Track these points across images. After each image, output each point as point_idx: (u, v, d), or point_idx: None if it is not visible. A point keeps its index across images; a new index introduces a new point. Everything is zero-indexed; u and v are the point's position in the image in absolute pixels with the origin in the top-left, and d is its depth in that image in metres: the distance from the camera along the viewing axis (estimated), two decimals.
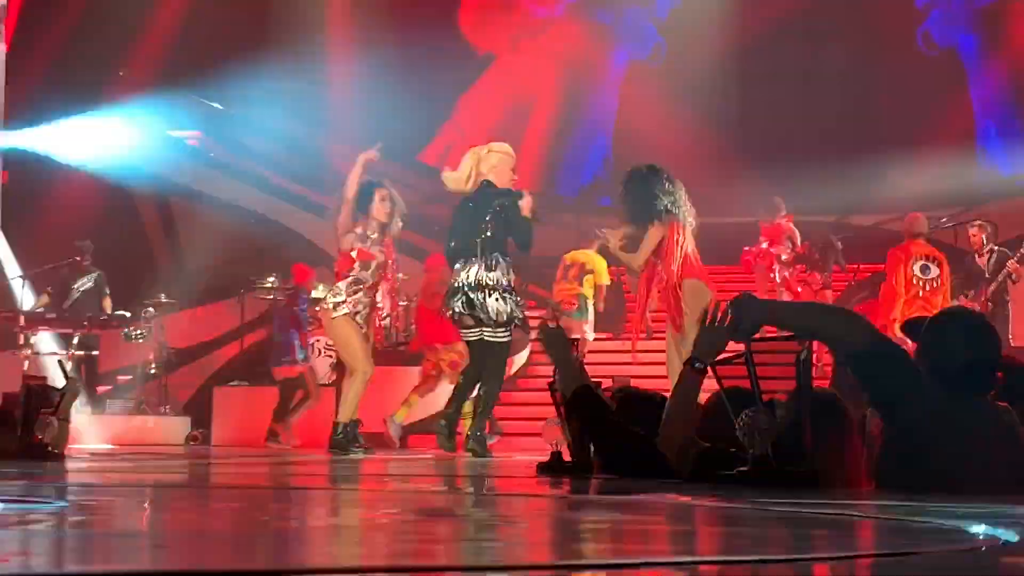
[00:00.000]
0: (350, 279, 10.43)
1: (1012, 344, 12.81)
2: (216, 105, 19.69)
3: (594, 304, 14.72)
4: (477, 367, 10.05)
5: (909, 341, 4.68)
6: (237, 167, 18.38)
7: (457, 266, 10.00)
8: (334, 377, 14.67)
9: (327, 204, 16.84)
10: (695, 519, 3.68)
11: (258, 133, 19.16)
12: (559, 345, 6.06)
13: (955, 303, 13.94)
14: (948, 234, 16.49)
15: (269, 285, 15.76)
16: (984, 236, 13.96)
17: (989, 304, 13.66)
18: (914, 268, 12.09)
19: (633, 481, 5.20)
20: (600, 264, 14.73)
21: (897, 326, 10.62)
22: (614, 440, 5.53)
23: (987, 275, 13.79)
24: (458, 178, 10.08)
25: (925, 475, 4.23)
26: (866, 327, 4.45)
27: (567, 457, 6.02)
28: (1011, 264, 13.74)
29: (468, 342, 10.09)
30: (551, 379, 6.22)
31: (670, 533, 3.18)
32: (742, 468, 4.45)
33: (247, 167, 18.29)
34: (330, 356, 14.92)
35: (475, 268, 9.84)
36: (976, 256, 14.00)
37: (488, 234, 9.85)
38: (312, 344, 15.19)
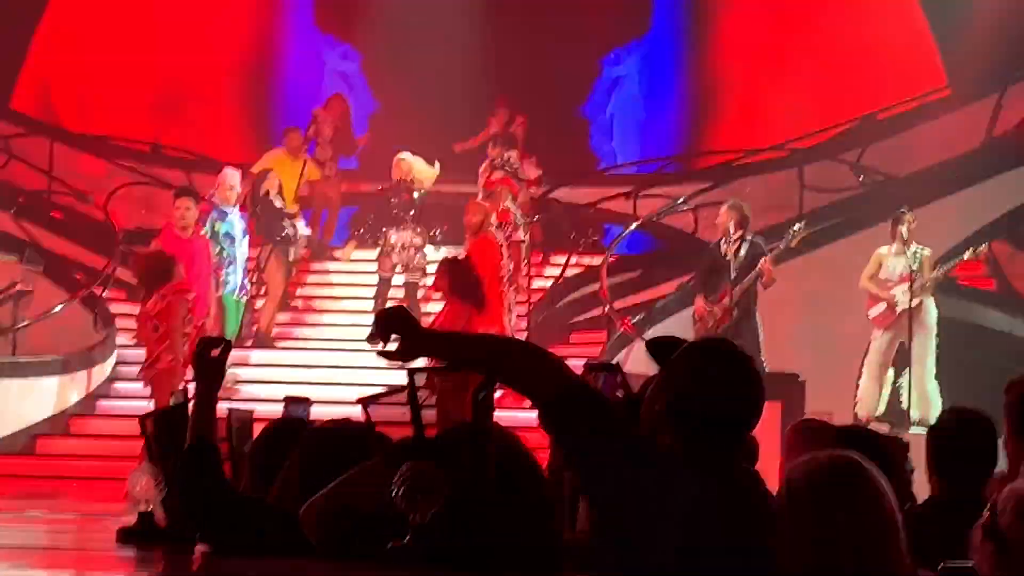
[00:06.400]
0: None
1: (768, 370, 10.61)
2: None
3: None
4: None
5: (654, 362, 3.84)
6: None
7: None
8: None
9: None
10: None
11: None
12: None
13: (692, 308, 12.00)
14: (687, 218, 14.68)
15: None
16: (732, 221, 11.66)
17: (734, 311, 11.45)
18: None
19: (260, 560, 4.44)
20: None
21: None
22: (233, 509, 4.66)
23: (733, 273, 11.51)
24: None
25: (629, 558, 3.60)
26: (554, 368, 3.79)
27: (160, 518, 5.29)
28: (763, 262, 11.54)
29: None
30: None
31: None
32: (399, 541, 3.91)
33: None
34: None
35: None
36: (723, 243, 11.80)
37: None
38: None
